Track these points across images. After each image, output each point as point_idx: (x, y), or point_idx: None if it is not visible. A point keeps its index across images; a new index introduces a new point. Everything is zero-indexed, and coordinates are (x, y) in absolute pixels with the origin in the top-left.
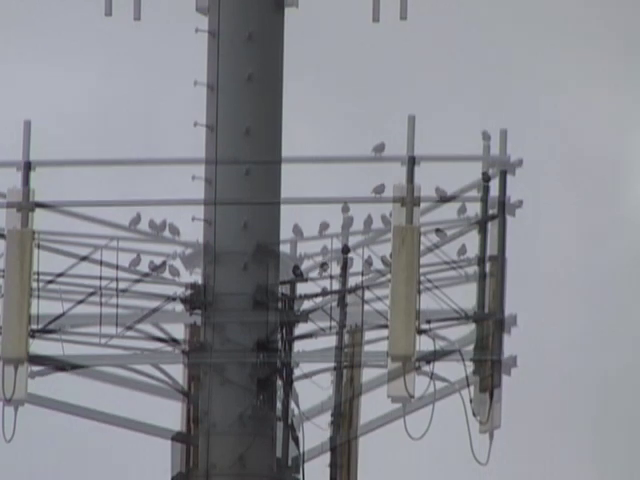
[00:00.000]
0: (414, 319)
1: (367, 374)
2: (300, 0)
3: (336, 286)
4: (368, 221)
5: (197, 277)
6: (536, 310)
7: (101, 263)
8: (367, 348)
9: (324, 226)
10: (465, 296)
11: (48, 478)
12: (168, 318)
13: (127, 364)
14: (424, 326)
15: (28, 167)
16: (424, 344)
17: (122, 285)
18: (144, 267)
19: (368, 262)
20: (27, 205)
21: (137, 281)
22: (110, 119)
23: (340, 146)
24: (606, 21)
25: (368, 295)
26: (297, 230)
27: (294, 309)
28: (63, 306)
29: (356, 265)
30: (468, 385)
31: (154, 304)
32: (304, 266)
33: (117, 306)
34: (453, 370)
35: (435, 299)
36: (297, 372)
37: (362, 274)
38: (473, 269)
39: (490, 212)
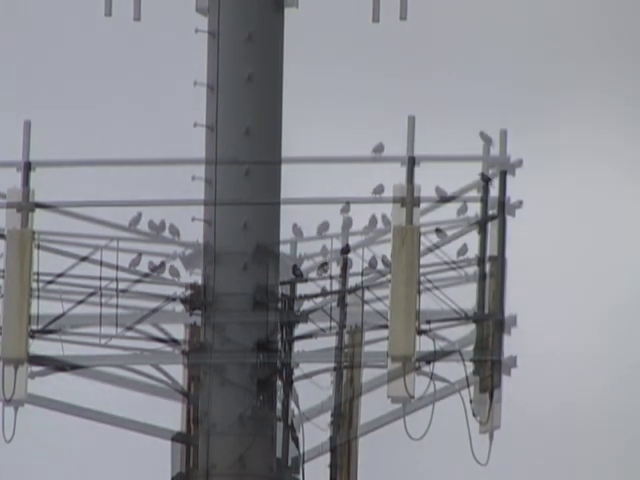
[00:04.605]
0: (414, 319)
1: (367, 374)
2: (300, 0)
3: (336, 286)
4: (373, 221)
5: (197, 277)
6: (536, 310)
7: (101, 263)
8: (367, 348)
9: (324, 226)
10: (465, 296)
11: (48, 478)
12: (168, 318)
13: (127, 364)
14: (424, 326)
15: (28, 167)
16: (424, 344)
17: (122, 285)
18: (144, 267)
19: (371, 264)
20: (27, 205)
21: (137, 281)
22: (110, 119)
23: (340, 146)
24: (605, 20)
25: (368, 295)
26: (297, 230)
27: (294, 309)
28: (63, 306)
29: (356, 265)
30: (468, 385)
31: (154, 304)
32: (304, 266)
33: (117, 306)
34: (453, 370)
35: (435, 299)
36: (297, 372)
37: (362, 274)
38: (473, 269)
39: (490, 212)
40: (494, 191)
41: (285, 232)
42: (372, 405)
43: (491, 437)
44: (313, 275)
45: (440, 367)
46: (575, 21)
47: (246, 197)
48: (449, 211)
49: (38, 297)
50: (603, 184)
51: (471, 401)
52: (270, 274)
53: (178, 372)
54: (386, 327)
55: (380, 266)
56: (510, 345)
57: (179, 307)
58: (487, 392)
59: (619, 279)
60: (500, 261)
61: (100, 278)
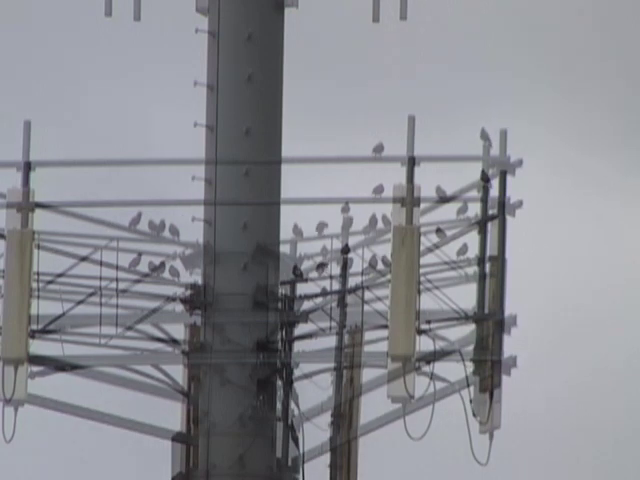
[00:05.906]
0: (414, 319)
1: (367, 374)
2: (300, 0)
3: (336, 286)
4: (373, 220)
5: (197, 277)
6: (536, 310)
7: (101, 263)
8: (367, 348)
9: (323, 226)
10: (465, 296)
11: (48, 478)
12: (168, 318)
13: (127, 364)
14: (424, 326)
15: (28, 167)
16: (424, 344)
17: (122, 285)
18: (144, 267)
19: (372, 264)
20: (27, 205)
21: (137, 281)
22: (110, 119)
23: (340, 146)
24: (605, 18)
25: (368, 295)
26: (297, 230)
27: (294, 309)
28: (63, 306)
29: (356, 265)
30: (468, 385)
31: (154, 304)
32: (304, 266)
33: (117, 306)
34: (453, 370)
35: (435, 299)
36: (297, 372)
37: (362, 274)
38: (473, 269)
39: (490, 212)
40: (494, 191)
41: (285, 232)
42: (372, 405)
43: (491, 437)
44: (313, 275)
45: (440, 367)
46: (575, 22)
47: (246, 197)
48: (449, 211)
49: (38, 297)
50: (602, 183)
51: (471, 401)
52: (270, 274)
53: (178, 372)
54: (386, 327)
55: (380, 266)
56: (510, 345)
57: (179, 307)
58: (487, 392)
59: (619, 278)
60: (500, 261)
61: (100, 278)
